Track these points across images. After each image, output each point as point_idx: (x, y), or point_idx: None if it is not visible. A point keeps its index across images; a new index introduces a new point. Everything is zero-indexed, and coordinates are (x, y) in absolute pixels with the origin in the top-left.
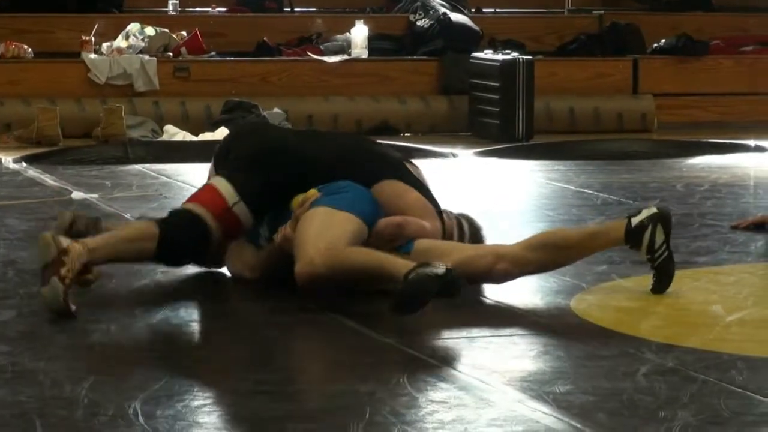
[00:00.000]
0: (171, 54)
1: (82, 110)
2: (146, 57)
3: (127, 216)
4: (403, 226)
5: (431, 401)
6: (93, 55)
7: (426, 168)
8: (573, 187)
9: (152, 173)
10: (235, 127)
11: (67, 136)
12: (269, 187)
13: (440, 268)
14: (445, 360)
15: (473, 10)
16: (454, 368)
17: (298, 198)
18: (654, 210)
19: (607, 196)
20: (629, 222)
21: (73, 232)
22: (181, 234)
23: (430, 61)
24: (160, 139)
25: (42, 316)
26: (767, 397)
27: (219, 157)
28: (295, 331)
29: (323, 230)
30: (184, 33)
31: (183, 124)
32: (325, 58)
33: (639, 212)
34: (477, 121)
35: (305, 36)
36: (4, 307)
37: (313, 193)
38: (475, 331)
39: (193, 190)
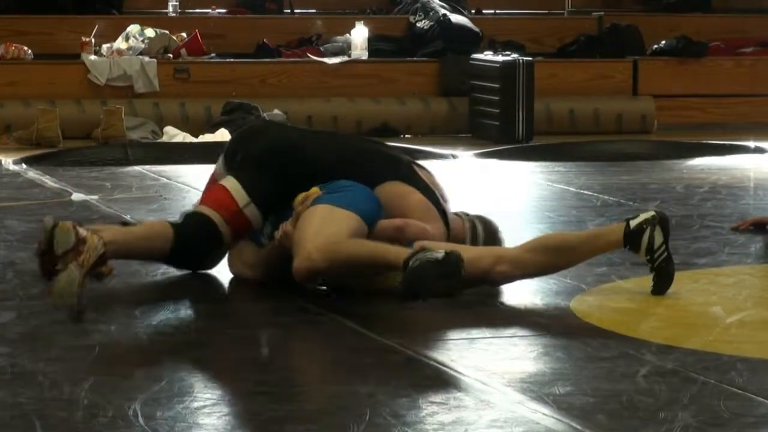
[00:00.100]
0: (171, 55)
1: (82, 112)
2: (146, 58)
3: (127, 217)
4: (403, 229)
5: (431, 402)
6: (93, 57)
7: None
8: (573, 189)
9: (152, 174)
10: (242, 127)
11: (67, 137)
12: (277, 188)
13: (439, 252)
14: (445, 361)
15: (473, 11)
16: (454, 369)
17: (300, 196)
18: (652, 213)
19: (607, 197)
20: (628, 225)
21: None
22: (195, 238)
23: (430, 63)
24: (160, 140)
25: (42, 317)
26: (767, 398)
27: (227, 157)
28: (295, 332)
29: (322, 227)
30: (184, 34)
31: (183, 125)
32: (325, 60)
33: (637, 215)
34: (477, 122)
35: (305, 37)
36: (3, 308)
37: (314, 190)
38: (476, 332)
39: (193, 191)
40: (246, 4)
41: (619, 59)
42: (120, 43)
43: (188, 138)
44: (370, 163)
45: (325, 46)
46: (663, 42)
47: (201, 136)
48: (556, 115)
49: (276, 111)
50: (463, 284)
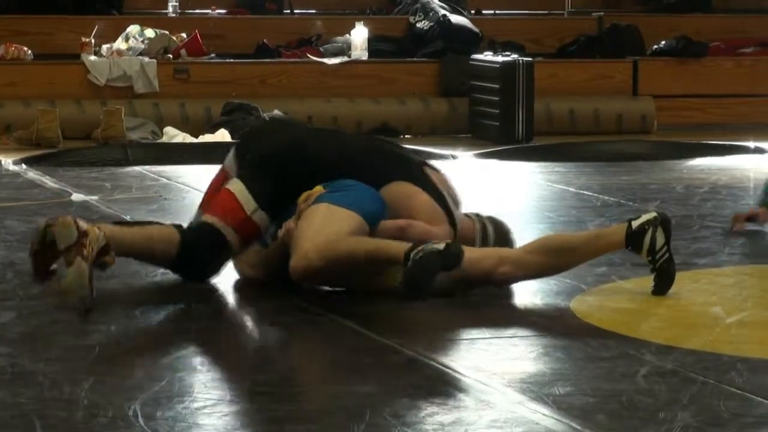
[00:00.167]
0: (171, 56)
1: (82, 112)
2: (146, 59)
3: (127, 218)
4: (406, 230)
5: (431, 403)
6: (93, 57)
7: None
8: (573, 189)
9: (152, 175)
10: (249, 126)
11: (66, 137)
12: (282, 188)
13: (440, 244)
14: (445, 361)
15: (473, 11)
16: (454, 370)
17: (304, 194)
18: (654, 214)
19: (606, 197)
20: (630, 225)
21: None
22: (199, 246)
23: (430, 63)
24: (159, 140)
25: (42, 317)
26: (767, 398)
27: (238, 155)
28: (295, 332)
29: (323, 226)
30: (184, 35)
31: (183, 125)
32: (325, 60)
33: (639, 216)
34: (477, 122)
35: (305, 38)
36: (3, 308)
37: (318, 189)
38: (475, 333)
39: (193, 191)
40: (246, 4)
41: (619, 59)
42: (120, 44)
43: (188, 138)
44: (380, 163)
45: (325, 46)
46: (663, 42)
47: (201, 137)
48: (556, 115)
49: (276, 111)
50: (465, 285)
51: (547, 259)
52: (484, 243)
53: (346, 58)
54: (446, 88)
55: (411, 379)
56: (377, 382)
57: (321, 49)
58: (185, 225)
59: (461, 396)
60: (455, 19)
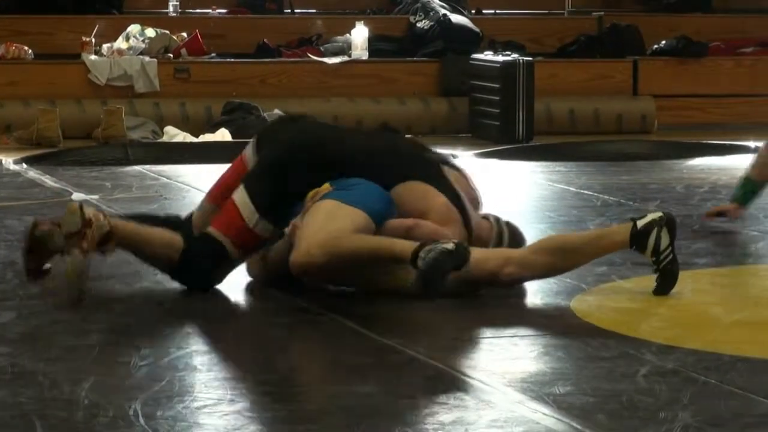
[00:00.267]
0: (171, 55)
1: (83, 111)
2: (146, 58)
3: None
4: (413, 230)
5: (431, 402)
6: (93, 57)
7: None
8: (573, 189)
9: (152, 174)
10: (274, 120)
11: (67, 137)
12: (294, 190)
13: (449, 244)
14: (445, 361)
15: (473, 11)
16: (455, 369)
17: (311, 192)
18: (660, 214)
19: (607, 197)
20: (635, 225)
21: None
22: (201, 259)
23: (430, 63)
24: (160, 140)
25: (42, 317)
26: (767, 398)
27: (257, 150)
28: (296, 332)
29: (326, 222)
30: (185, 34)
31: (183, 125)
32: (325, 60)
33: (644, 215)
34: (477, 122)
35: (305, 37)
36: (3, 308)
37: (325, 187)
38: (476, 332)
39: (193, 191)
40: (246, 4)
41: (619, 59)
42: (120, 43)
43: (188, 138)
44: (397, 162)
45: (325, 46)
46: (663, 42)
47: (201, 136)
48: (556, 115)
49: (276, 111)
50: (471, 286)
51: (552, 260)
52: (498, 247)
53: (346, 58)
54: (446, 87)
55: (411, 379)
56: (377, 382)
57: (321, 48)
58: (191, 221)
59: (461, 396)
60: (455, 18)
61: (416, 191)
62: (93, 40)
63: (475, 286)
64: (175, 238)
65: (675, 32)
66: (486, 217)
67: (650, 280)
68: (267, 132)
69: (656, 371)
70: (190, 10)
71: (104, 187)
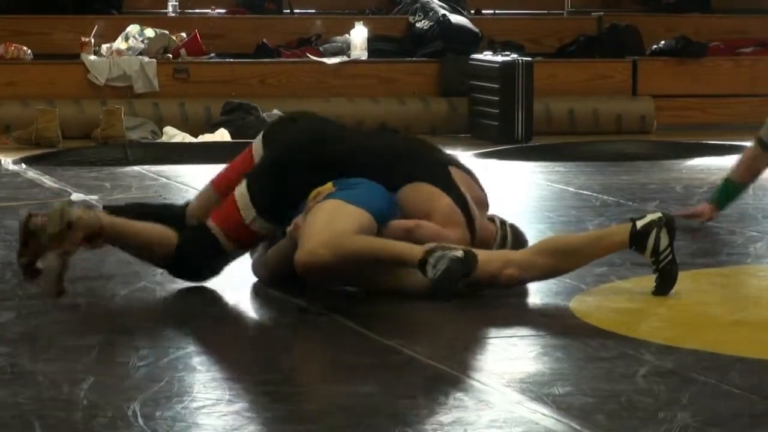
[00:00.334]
0: (170, 55)
1: (82, 112)
2: (146, 58)
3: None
4: (414, 231)
5: (431, 402)
6: (92, 57)
7: None
8: (572, 189)
9: (151, 175)
10: (284, 116)
11: (66, 137)
12: (296, 189)
13: (458, 251)
14: (445, 361)
15: (473, 11)
16: (454, 370)
17: (314, 191)
18: (659, 214)
19: (606, 197)
20: (634, 225)
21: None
22: (195, 253)
23: (429, 63)
24: (159, 140)
25: (42, 317)
26: (766, 398)
27: (265, 144)
28: (296, 332)
29: (330, 221)
30: (184, 34)
31: (182, 125)
32: (325, 60)
33: (644, 216)
34: (476, 122)
35: (305, 37)
36: (3, 308)
37: (328, 186)
38: (475, 333)
39: (193, 191)
40: (245, 4)
41: (618, 59)
42: (119, 43)
43: (188, 138)
44: (402, 164)
45: (325, 46)
46: (662, 42)
47: (200, 136)
48: (556, 115)
49: (275, 111)
50: (472, 287)
51: (553, 262)
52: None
53: (345, 58)
54: (446, 87)
55: (411, 379)
56: (377, 382)
57: (321, 48)
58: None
59: (461, 396)
60: (455, 18)
61: (422, 192)
62: (92, 40)
63: (475, 286)
64: (169, 234)
65: (674, 32)
66: (492, 218)
67: (649, 281)
68: (273, 129)
69: (655, 371)
70: (190, 11)
71: (103, 188)
